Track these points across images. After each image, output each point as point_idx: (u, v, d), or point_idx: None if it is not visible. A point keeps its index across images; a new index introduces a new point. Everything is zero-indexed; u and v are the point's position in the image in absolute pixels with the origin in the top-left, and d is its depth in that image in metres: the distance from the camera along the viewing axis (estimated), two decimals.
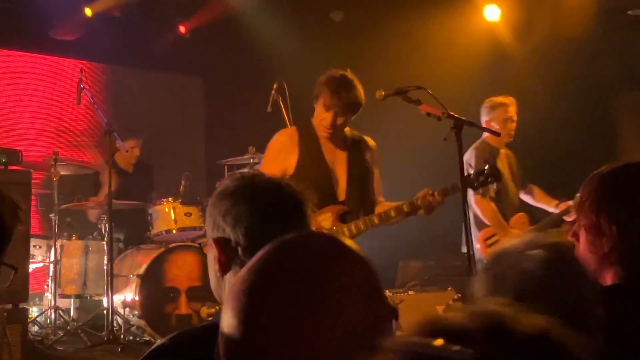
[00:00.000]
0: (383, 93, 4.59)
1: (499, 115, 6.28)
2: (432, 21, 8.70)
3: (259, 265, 1.24)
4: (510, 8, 8.74)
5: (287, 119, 6.23)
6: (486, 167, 4.66)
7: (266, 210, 2.04)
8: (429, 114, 4.49)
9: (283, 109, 6.30)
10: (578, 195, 2.19)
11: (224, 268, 2.01)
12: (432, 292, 7.44)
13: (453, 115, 4.40)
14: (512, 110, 6.30)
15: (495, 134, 5.66)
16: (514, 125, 6.30)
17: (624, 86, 8.95)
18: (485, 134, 6.31)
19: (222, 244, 2.01)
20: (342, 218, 4.63)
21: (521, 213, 6.36)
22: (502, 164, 6.26)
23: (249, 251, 1.99)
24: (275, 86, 6.38)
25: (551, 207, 6.31)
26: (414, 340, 0.87)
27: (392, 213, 4.61)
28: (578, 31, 8.34)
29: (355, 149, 4.78)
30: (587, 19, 8.33)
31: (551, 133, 8.20)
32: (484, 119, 6.30)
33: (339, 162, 4.73)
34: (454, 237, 6.59)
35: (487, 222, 6.23)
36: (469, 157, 6.15)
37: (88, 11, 8.86)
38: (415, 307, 7.04)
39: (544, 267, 1.54)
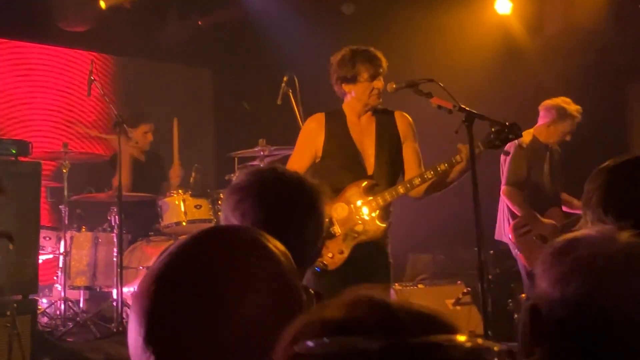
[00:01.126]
0: (394, 86, 4.60)
1: (564, 126, 6.21)
2: (444, 14, 8.67)
3: (167, 258, 1.25)
4: (522, 1, 8.71)
5: (297, 112, 6.22)
6: (506, 125, 4.56)
7: (273, 207, 2.05)
8: (440, 107, 4.48)
9: (293, 102, 6.29)
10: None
11: None
12: (441, 286, 7.44)
13: (464, 108, 4.38)
14: (576, 124, 6.24)
15: (505, 126, 5.58)
16: (569, 137, 6.26)
17: (635, 77, 8.91)
18: (538, 127, 6.26)
19: None
20: (369, 191, 4.67)
21: (556, 207, 6.32)
22: (545, 157, 6.24)
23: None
24: (285, 79, 6.37)
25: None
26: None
27: (417, 181, 4.61)
28: (589, 23, 8.31)
29: (385, 120, 4.84)
30: (598, 11, 8.29)
31: None
32: (543, 118, 6.25)
33: (367, 137, 4.78)
34: (463, 230, 6.56)
35: (516, 211, 6.22)
36: (505, 158, 6.11)
37: (102, 4, 8.87)
38: (424, 300, 7.03)
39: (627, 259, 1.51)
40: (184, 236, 1.33)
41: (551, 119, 6.24)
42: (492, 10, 8.81)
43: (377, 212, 4.65)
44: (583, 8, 8.38)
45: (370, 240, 4.66)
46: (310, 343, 0.87)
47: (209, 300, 1.17)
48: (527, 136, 6.31)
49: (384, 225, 4.69)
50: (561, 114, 6.23)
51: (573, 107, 6.24)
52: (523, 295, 6.74)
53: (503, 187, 6.26)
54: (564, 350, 1.44)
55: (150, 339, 1.18)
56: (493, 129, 4.53)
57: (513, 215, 6.30)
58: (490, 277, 6.62)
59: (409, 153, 4.85)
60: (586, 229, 1.58)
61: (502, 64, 8.77)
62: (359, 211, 4.64)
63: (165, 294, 1.20)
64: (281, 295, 1.23)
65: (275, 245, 1.28)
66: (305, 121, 4.94)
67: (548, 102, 6.38)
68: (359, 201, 4.65)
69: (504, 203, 6.43)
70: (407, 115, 4.92)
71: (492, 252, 7.51)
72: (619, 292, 1.43)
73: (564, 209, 6.45)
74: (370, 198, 4.64)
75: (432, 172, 4.60)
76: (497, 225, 6.61)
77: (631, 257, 1.49)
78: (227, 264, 1.22)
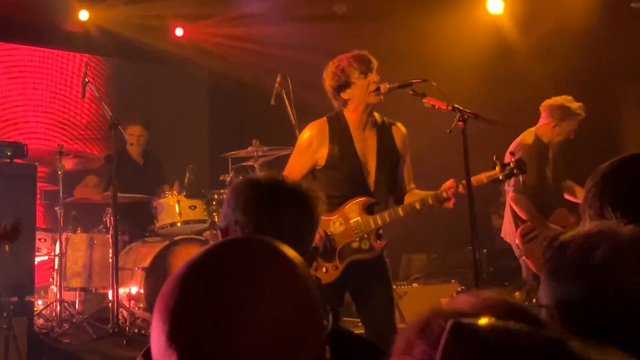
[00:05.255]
0: (388, 86, 4.61)
1: (569, 125, 6.20)
2: (436, 14, 8.69)
3: (193, 261, 1.28)
4: (513, 1, 8.74)
5: (290, 112, 6.23)
6: (512, 160, 4.63)
7: (265, 192, 2.11)
8: (433, 107, 4.50)
9: (287, 102, 6.30)
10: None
11: None
12: (435, 285, 7.47)
13: (458, 108, 4.41)
14: (578, 122, 6.26)
15: (498, 125, 5.56)
16: (573, 136, 6.27)
17: (627, 77, 8.95)
18: (541, 126, 6.27)
19: (225, 231, 2.09)
20: (369, 209, 4.66)
21: (561, 208, 6.33)
22: (548, 159, 6.25)
23: (246, 228, 2.07)
24: (278, 79, 6.37)
25: None
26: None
27: (417, 205, 4.61)
28: (581, 23, 8.34)
29: (385, 135, 4.81)
30: (590, 12, 8.33)
31: None
32: (547, 119, 6.25)
33: (369, 151, 4.75)
34: (458, 230, 6.60)
35: (525, 217, 6.20)
36: (515, 148, 6.10)
37: (83, 14, 8.93)
38: (418, 299, 7.07)
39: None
40: (179, 236, 1.36)
41: (556, 119, 6.22)
42: (484, 10, 8.84)
43: (375, 231, 4.66)
44: (574, 8, 8.41)
45: (365, 259, 4.65)
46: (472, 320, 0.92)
47: (232, 302, 1.19)
48: (529, 136, 6.31)
49: (382, 244, 4.69)
50: (565, 113, 6.21)
51: (576, 105, 6.22)
52: (517, 293, 6.77)
53: (511, 194, 6.24)
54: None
55: (173, 337, 1.21)
56: (499, 163, 4.57)
57: (517, 217, 6.29)
58: (484, 275, 6.64)
59: (405, 170, 4.86)
60: (590, 227, 1.61)
61: (494, 64, 8.80)
62: (356, 228, 4.63)
63: (189, 295, 1.21)
64: (303, 301, 1.25)
65: (294, 255, 1.31)
66: (307, 126, 4.83)
67: (550, 102, 6.33)
68: (358, 218, 4.63)
69: (509, 204, 6.43)
70: (403, 127, 4.89)
71: (485, 251, 7.55)
72: None
73: (567, 196, 6.44)
74: (370, 217, 4.63)
75: (432, 199, 4.58)
76: (503, 225, 6.63)
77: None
78: (252, 268, 1.24)
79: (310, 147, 4.71)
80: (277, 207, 2.13)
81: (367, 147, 4.75)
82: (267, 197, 2.14)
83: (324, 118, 4.78)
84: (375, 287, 4.70)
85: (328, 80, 4.73)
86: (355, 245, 4.64)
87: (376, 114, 4.79)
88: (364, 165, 4.73)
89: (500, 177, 4.58)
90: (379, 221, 4.62)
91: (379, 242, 4.67)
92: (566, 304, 1.52)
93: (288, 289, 1.24)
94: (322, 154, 4.69)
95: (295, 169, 4.70)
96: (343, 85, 4.68)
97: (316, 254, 2.19)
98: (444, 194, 4.53)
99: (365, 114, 4.72)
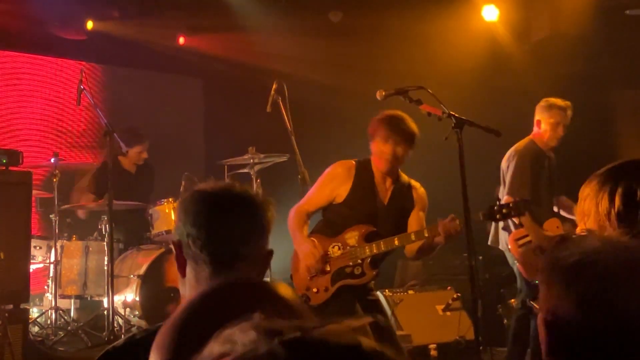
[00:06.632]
0: (384, 93, 4.62)
1: (551, 116, 6.19)
2: (431, 21, 8.71)
3: (190, 305, 1.29)
4: (508, 8, 8.76)
5: (286, 119, 6.23)
6: (511, 203, 4.71)
7: (213, 202, 2.11)
8: (429, 114, 4.52)
9: (283, 109, 6.29)
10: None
11: (182, 265, 2.08)
12: (431, 292, 7.46)
13: (453, 115, 4.42)
14: (566, 116, 6.24)
15: (494, 132, 5.58)
16: (563, 131, 6.25)
17: (622, 83, 8.97)
18: (534, 133, 6.27)
19: (178, 244, 2.09)
20: (368, 238, 4.78)
21: (554, 218, 6.32)
22: (543, 167, 6.24)
23: (199, 241, 2.07)
24: (274, 86, 6.36)
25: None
26: None
27: (413, 236, 4.73)
28: (576, 30, 8.36)
29: (401, 187, 4.96)
30: (585, 19, 8.35)
31: None
32: (535, 118, 6.27)
33: (383, 202, 4.90)
34: None
35: (517, 222, 6.21)
36: (507, 164, 6.12)
37: (89, 24, 8.94)
38: (415, 306, 7.06)
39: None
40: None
41: (538, 116, 6.26)
42: (479, 17, 8.86)
43: (370, 258, 4.76)
44: (569, 15, 8.43)
45: (356, 284, 4.78)
46: None
47: None
48: (525, 143, 6.32)
49: (374, 272, 4.80)
50: (544, 106, 6.24)
51: (558, 100, 6.26)
52: (512, 300, 6.77)
53: (505, 197, 6.25)
54: None
55: None
56: (498, 203, 4.65)
57: (512, 224, 6.29)
58: (480, 282, 6.64)
59: (414, 218, 4.96)
60: (589, 239, 1.60)
61: (489, 71, 8.82)
62: (352, 254, 4.76)
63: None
64: None
65: (289, 293, 1.34)
66: (337, 162, 4.98)
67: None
68: (355, 245, 4.77)
69: None
70: (421, 188, 5.04)
71: (481, 257, 7.54)
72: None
73: (563, 213, 6.44)
74: (367, 245, 4.75)
75: (426, 232, 4.67)
76: (492, 232, 6.62)
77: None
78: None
79: (333, 183, 4.88)
80: (227, 216, 2.11)
81: (383, 196, 4.90)
82: (216, 207, 2.12)
83: (354, 160, 4.95)
84: (358, 313, 4.80)
85: (370, 125, 4.88)
86: (348, 270, 4.79)
87: (401, 172, 4.97)
88: (376, 209, 4.85)
89: (497, 217, 4.64)
90: (374, 249, 4.75)
91: (371, 270, 4.78)
92: (558, 314, 1.52)
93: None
94: (342, 192, 4.85)
95: (314, 198, 4.89)
96: (371, 135, 4.84)
97: (271, 256, 2.19)
98: (438, 228, 4.57)
99: (386, 169, 4.85)
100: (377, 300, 5.08)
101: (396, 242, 4.73)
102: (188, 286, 2.13)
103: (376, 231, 4.79)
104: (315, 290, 4.74)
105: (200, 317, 1.27)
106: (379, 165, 4.85)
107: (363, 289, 4.83)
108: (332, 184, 4.87)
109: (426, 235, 4.66)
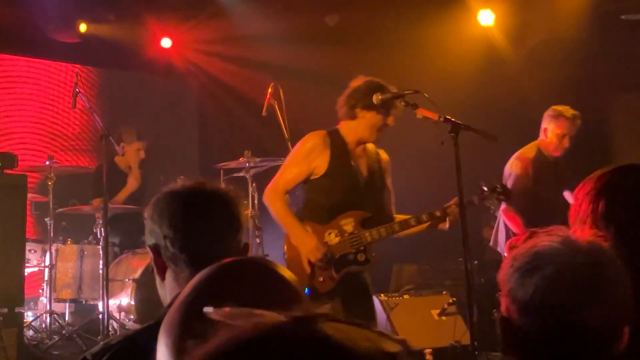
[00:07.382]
0: (380, 97, 4.62)
1: (558, 127, 6.16)
2: (427, 26, 8.71)
3: (194, 288, 1.29)
4: (504, 12, 8.76)
5: (282, 123, 6.23)
6: (498, 186, 4.83)
7: (187, 202, 2.11)
8: (426, 118, 4.51)
9: (278, 113, 6.29)
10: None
11: (161, 268, 2.08)
12: (427, 296, 7.44)
13: (450, 119, 4.42)
14: (574, 126, 6.21)
15: (490, 136, 5.50)
16: (569, 142, 6.21)
17: (618, 87, 8.98)
18: (541, 140, 6.26)
19: (155, 248, 2.08)
20: (364, 224, 4.78)
21: (561, 225, 6.27)
22: (548, 174, 6.23)
23: (178, 242, 2.07)
24: (270, 90, 6.36)
25: None
26: None
27: (412, 222, 4.78)
28: (572, 34, 8.37)
29: (372, 159, 4.96)
30: (581, 23, 8.36)
31: None
32: (542, 126, 6.25)
33: (361, 168, 4.88)
34: (449, 241, 6.58)
35: (514, 229, 6.22)
36: (509, 172, 6.14)
37: (83, 27, 8.91)
38: (410, 310, 7.04)
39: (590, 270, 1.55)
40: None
41: (545, 124, 6.24)
42: (475, 21, 8.86)
43: (370, 245, 4.79)
44: (565, 19, 8.44)
45: (361, 271, 4.81)
46: None
47: None
48: (531, 150, 6.32)
49: (374, 257, 4.84)
50: (552, 115, 6.22)
51: (563, 108, 6.24)
52: None
53: (503, 206, 6.25)
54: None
55: None
56: (486, 188, 4.78)
57: (509, 229, 6.29)
58: (475, 287, 6.63)
59: (389, 193, 5.04)
60: (548, 238, 1.62)
61: (485, 75, 8.81)
62: (353, 241, 4.75)
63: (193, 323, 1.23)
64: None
65: (285, 271, 1.36)
66: (307, 136, 4.89)
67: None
68: (354, 231, 4.76)
69: (501, 216, 6.43)
70: (386, 154, 5.07)
71: (476, 262, 7.53)
72: (587, 303, 1.50)
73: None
74: (367, 231, 4.76)
75: (426, 216, 4.75)
76: (493, 233, 6.62)
77: (595, 266, 1.54)
78: (253, 290, 1.28)
79: (309, 156, 4.79)
80: (204, 215, 2.12)
81: (359, 164, 4.87)
82: (192, 207, 2.12)
83: (324, 131, 4.86)
84: (364, 298, 4.85)
85: (356, 90, 4.78)
86: (351, 257, 4.77)
87: None
88: (357, 179, 4.82)
89: (488, 201, 4.83)
90: (375, 235, 4.75)
91: (372, 255, 4.81)
92: (510, 314, 1.55)
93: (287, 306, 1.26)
94: (320, 163, 4.77)
95: (290, 176, 4.78)
96: (367, 105, 4.72)
97: (247, 249, 2.20)
98: (447, 210, 4.61)
99: (361, 140, 4.85)
100: (367, 285, 5.00)
101: (397, 228, 4.79)
102: (168, 289, 2.11)
103: (371, 216, 4.79)
104: (320, 279, 4.70)
105: (208, 293, 1.27)
106: (363, 135, 4.80)
107: (363, 274, 4.87)
108: (311, 155, 4.78)
109: (425, 219, 4.75)
